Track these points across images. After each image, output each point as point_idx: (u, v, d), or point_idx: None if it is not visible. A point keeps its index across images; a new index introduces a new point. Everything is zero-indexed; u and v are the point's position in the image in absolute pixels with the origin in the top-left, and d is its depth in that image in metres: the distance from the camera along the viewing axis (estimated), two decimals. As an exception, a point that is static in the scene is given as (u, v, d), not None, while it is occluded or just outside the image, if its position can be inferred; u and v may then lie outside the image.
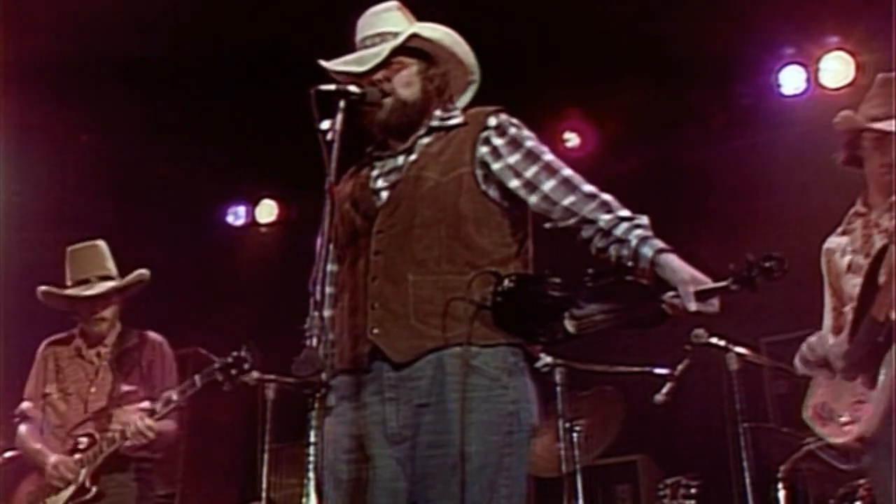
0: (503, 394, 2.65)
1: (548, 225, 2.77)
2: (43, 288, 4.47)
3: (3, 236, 5.93)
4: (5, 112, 5.72)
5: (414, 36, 2.84)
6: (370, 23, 2.92)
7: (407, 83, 2.84)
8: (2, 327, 5.54)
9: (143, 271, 4.49)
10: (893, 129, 3.28)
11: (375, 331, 2.68)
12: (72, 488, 4.20)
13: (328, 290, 2.85)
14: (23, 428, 4.45)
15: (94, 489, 4.17)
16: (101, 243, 4.53)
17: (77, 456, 4.24)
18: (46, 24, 5.40)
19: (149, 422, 4.12)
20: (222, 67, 5.99)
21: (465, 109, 2.94)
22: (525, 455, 2.69)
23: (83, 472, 4.19)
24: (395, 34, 2.85)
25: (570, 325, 2.63)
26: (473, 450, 2.57)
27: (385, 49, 2.82)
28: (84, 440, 4.25)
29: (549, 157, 2.79)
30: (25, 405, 4.49)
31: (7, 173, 6.13)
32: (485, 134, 2.81)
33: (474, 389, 2.61)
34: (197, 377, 4.19)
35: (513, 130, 2.82)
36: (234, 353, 4.18)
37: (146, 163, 6.73)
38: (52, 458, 4.26)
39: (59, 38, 5.51)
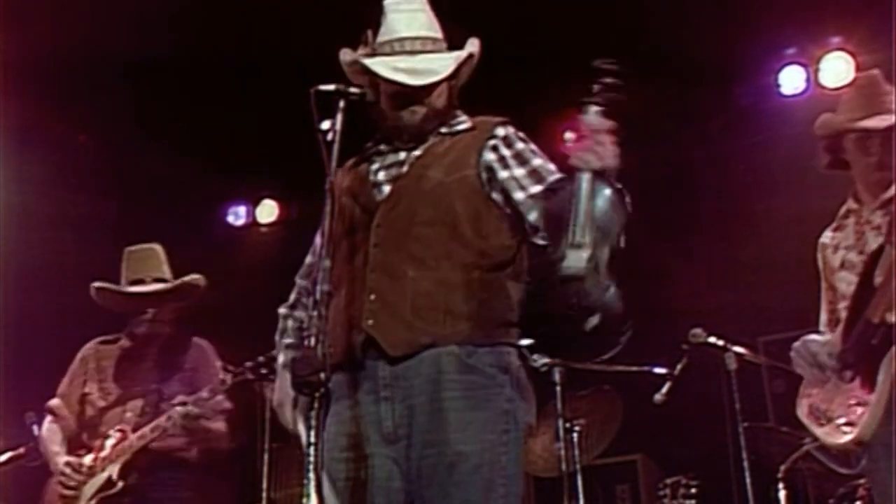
0: (499, 392, 2.66)
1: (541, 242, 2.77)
2: (97, 284, 4.49)
3: (2, 236, 5.94)
4: (5, 112, 5.72)
5: (471, 56, 2.87)
6: (406, 21, 2.88)
7: (439, 94, 2.87)
8: (2, 327, 5.54)
9: (197, 276, 4.54)
10: (881, 124, 3.27)
11: (370, 322, 2.68)
12: (100, 481, 4.20)
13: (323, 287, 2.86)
14: (45, 426, 4.46)
15: (120, 483, 4.18)
16: (158, 247, 4.59)
17: (93, 455, 4.24)
18: (46, 24, 5.41)
19: (167, 417, 4.13)
20: (222, 67, 6.00)
21: (471, 116, 2.95)
22: (520, 454, 2.69)
23: (111, 466, 4.19)
24: (434, 39, 2.86)
25: None
26: (469, 449, 2.58)
27: (444, 69, 2.82)
28: (116, 435, 4.25)
29: (554, 177, 2.77)
30: (54, 402, 4.49)
31: (7, 173, 6.13)
32: (492, 142, 2.83)
33: (470, 388, 2.62)
34: (228, 376, 4.23)
35: (520, 145, 2.83)
36: (267, 354, 4.20)
37: (146, 162, 6.73)
38: (61, 460, 4.28)
39: (59, 38, 5.51)
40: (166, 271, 4.53)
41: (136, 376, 4.42)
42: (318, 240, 2.93)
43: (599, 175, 2.44)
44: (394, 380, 2.67)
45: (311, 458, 2.39)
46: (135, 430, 4.22)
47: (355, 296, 2.73)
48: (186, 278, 4.53)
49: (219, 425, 4.37)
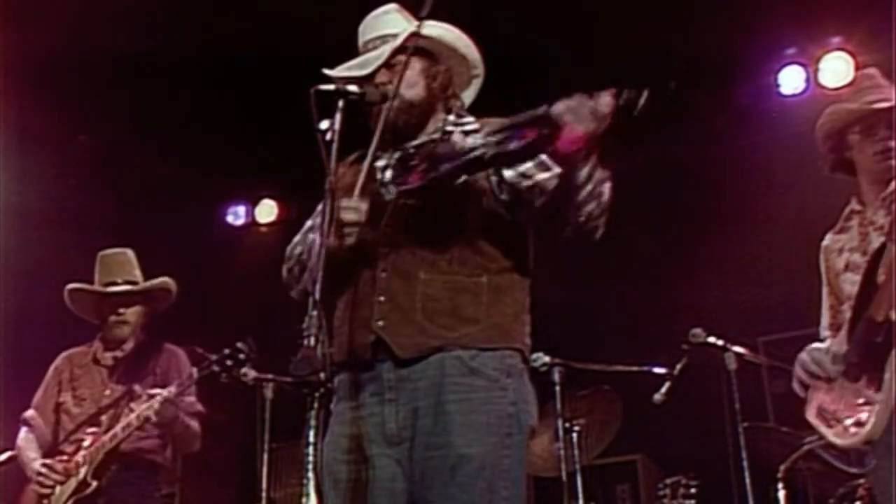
0: (502, 395, 2.66)
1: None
2: (72, 285, 4.57)
3: (3, 236, 5.94)
4: (5, 112, 5.72)
5: (414, 35, 2.84)
6: (371, 26, 2.93)
7: (411, 83, 2.85)
8: (2, 327, 5.54)
9: (167, 279, 4.60)
10: (890, 104, 3.27)
11: (380, 323, 2.68)
12: (74, 483, 4.24)
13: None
14: (21, 436, 4.52)
15: (93, 483, 4.22)
16: (130, 251, 4.66)
17: (70, 457, 4.29)
18: (46, 24, 5.40)
19: (140, 410, 4.16)
20: (222, 67, 6.00)
21: (477, 114, 2.94)
22: (524, 456, 2.69)
23: (84, 468, 4.24)
24: (396, 35, 2.86)
25: None
26: (473, 451, 2.58)
27: (386, 51, 2.84)
28: (89, 438, 4.30)
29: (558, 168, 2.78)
30: (29, 413, 4.55)
31: (7, 173, 6.13)
32: None
33: (474, 391, 2.63)
34: (195, 370, 4.30)
35: None
36: (233, 346, 4.28)
37: (146, 162, 6.73)
38: (37, 464, 4.33)
39: (59, 38, 5.51)
40: (138, 275, 4.59)
41: (108, 381, 4.47)
42: (319, 241, 2.91)
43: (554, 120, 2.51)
44: (399, 382, 2.67)
45: (311, 458, 2.39)
46: (106, 431, 4.27)
47: (364, 296, 2.72)
48: (157, 281, 4.58)
49: (192, 425, 4.42)
